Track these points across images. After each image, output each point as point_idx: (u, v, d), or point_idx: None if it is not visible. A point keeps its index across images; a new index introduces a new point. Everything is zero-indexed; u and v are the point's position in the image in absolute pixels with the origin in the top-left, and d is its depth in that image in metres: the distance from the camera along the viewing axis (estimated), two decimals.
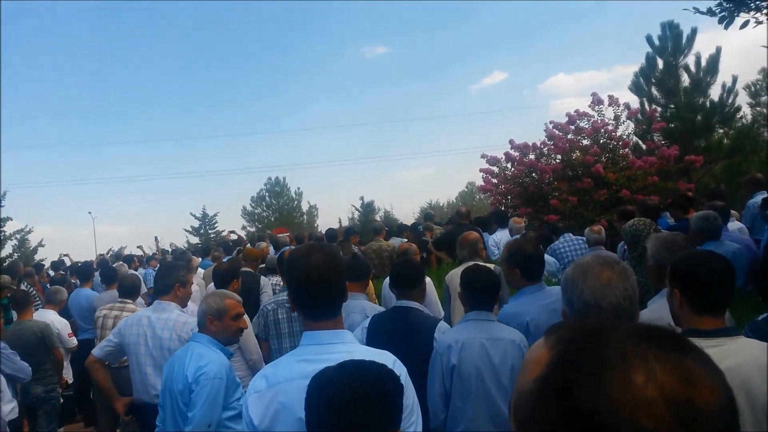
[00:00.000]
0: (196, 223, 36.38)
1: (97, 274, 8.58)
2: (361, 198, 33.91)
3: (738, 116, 13.27)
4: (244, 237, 18.15)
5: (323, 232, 15.11)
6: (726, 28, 5.83)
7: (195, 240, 34.46)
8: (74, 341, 6.62)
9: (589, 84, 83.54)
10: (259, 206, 39.75)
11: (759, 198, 6.93)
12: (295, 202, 40.59)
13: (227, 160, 76.62)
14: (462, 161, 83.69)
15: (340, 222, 34.99)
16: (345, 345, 1.90)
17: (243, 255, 7.32)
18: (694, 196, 8.14)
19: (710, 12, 6.04)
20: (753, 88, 23.08)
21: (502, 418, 2.89)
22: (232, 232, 16.60)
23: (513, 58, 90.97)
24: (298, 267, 1.89)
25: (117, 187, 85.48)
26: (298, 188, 41.06)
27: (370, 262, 7.53)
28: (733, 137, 12.60)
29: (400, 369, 1.90)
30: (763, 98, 24.40)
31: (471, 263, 4.60)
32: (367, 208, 31.06)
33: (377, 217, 29.85)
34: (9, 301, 6.36)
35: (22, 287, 8.78)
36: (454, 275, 4.72)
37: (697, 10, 6.24)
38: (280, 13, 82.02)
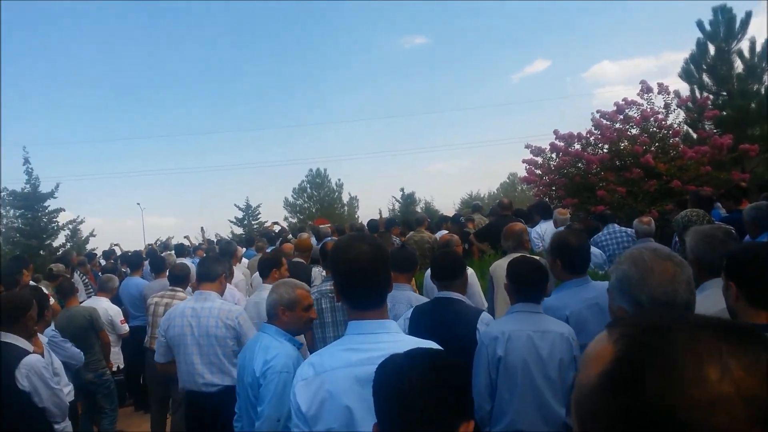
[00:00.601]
0: (240, 214, 36.99)
1: (146, 263, 8.83)
2: (402, 189, 33.98)
3: None
4: (287, 228, 18.40)
5: (364, 223, 15.16)
6: None
7: (239, 231, 35.05)
8: (126, 328, 6.85)
9: (636, 71, 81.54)
10: (301, 197, 40.23)
11: None
12: (336, 194, 40.91)
13: (270, 152, 77.75)
14: (503, 152, 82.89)
15: (380, 213, 35.15)
16: (390, 335, 1.91)
17: (295, 245, 7.39)
18: (748, 187, 7.83)
19: None
20: None
21: (550, 410, 2.86)
22: (276, 223, 16.83)
23: (556, 46, 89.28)
24: (343, 257, 1.92)
25: (164, 179, 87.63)
26: (339, 179, 41.39)
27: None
28: None
29: None
30: None
31: (517, 254, 4.57)
32: (408, 200, 31.08)
33: (418, 209, 29.84)
34: (56, 290, 6.60)
35: (76, 276, 9.12)
36: (499, 266, 4.69)
37: None
38: (318, 5, 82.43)
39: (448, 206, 44.66)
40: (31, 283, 6.67)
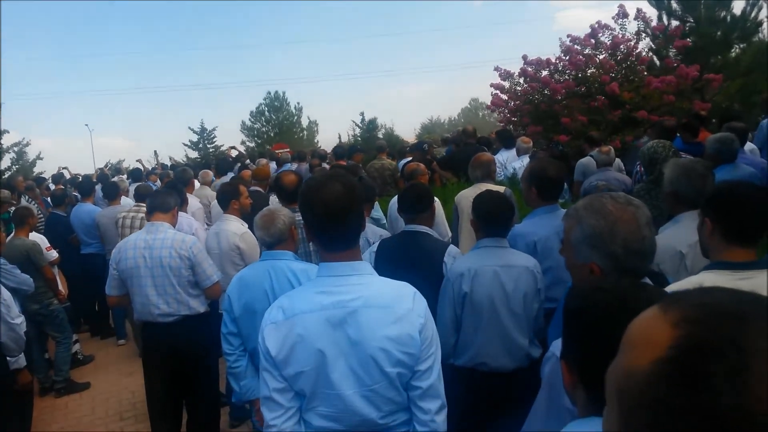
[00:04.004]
0: (195, 138, 35.94)
1: (98, 188, 8.46)
2: (362, 114, 33.23)
3: (758, 31, 12.68)
4: (245, 152, 17.95)
5: (323, 148, 14.84)
6: None
7: (194, 154, 34.19)
8: (54, 254, 6.44)
9: None
10: (259, 121, 39.04)
11: None
12: (295, 117, 39.90)
13: (226, 73, 74.84)
14: (464, 77, 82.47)
15: (339, 138, 34.59)
16: (363, 277, 1.84)
17: (252, 173, 7.20)
18: (707, 117, 7.86)
19: None
20: None
21: (513, 343, 2.87)
22: (233, 147, 16.31)
23: None
24: (315, 197, 1.80)
25: (115, 99, 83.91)
26: (298, 103, 40.27)
27: (374, 182, 7.43)
28: (750, 54, 12.04)
29: (420, 302, 1.84)
30: None
31: (483, 186, 4.50)
32: (370, 125, 30.50)
33: (379, 134, 29.42)
34: (11, 216, 6.24)
35: (23, 201, 8.68)
36: (464, 197, 4.62)
37: None
38: None
39: (408, 132, 44.37)
40: None
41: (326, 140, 37.60)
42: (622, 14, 9.21)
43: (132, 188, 8.69)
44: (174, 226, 3.94)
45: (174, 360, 3.84)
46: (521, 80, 9.49)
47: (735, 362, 0.49)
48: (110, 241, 6.58)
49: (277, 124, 38.70)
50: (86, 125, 48.28)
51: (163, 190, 4.16)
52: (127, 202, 7.44)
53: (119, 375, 6.36)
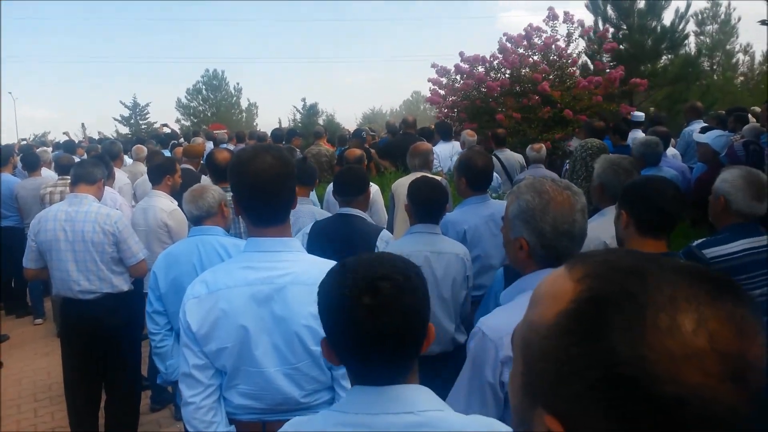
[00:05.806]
0: (127, 113, 34.52)
1: (18, 159, 7.99)
2: (303, 99, 32.76)
3: (684, 44, 13.42)
4: (179, 131, 17.43)
5: (264, 131, 14.63)
6: None
7: (125, 130, 32.87)
8: None
9: None
10: (195, 99, 37.82)
11: (696, 126, 7.10)
12: (234, 98, 38.93)
13: (162, 47, 72.05)
14: (407, 69, 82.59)
15: (279, 122, 33.99)
16: (291, 254, 1.81)
17: (183, 150, 6.98)
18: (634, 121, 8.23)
19: None
20: (700, 17, 23.41)
21: (440, 328, 2.92)
22: (165, 125, 15.77)
23: None
24: (245, 170, 1.76)
25: (41, 68, 79.27)
26: (238, 83, 39.29)
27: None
28: (677, 64, 12.72)
29: None
30: (708, 27, 24.85)
31: (419, 174, 4.55)
32: (311, 111, 30.11)
33: (320, 121, 29.18)
34: None
35: None
36: (400, 185, 4.66)
37: None
38: None
39: (350, 120, 44.15)
40: None
41: (266, 124, 37.12)
42: (552, 16, 9.54)
43: None
44: (99, 200, 3.77)
45: (94, 339, 3.68)
46: (457, 77, 9.65)
47: (632, 314, 0.51)
48: (29, 214, 6.25)
49: (215, 104, 37.63)
50: (9, 93, 45.38)
51: (90, 160, 3.97)
52: (48, 174, 7.10)
53: (35, 355, 6.08)
